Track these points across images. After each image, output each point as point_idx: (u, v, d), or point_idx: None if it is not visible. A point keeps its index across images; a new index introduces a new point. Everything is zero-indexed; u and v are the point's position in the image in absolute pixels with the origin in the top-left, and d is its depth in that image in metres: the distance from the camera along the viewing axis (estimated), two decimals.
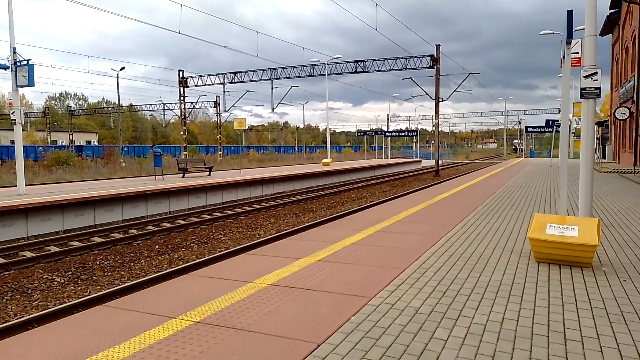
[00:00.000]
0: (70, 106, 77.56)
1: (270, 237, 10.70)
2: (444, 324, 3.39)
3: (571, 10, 6.76)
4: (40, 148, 42.21)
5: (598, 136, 35.77)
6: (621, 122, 25.74)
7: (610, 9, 28.22)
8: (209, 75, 37.65)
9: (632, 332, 3.22)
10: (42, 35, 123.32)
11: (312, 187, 23.04)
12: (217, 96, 48.58)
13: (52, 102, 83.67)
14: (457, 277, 4.58)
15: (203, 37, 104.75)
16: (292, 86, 37.79)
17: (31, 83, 13.36)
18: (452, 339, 3.13)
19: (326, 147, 35.38)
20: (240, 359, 2.88)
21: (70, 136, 57.99)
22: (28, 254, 9.33)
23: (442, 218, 8.24)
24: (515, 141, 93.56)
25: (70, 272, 8.29)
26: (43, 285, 7.63)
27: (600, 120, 36.54)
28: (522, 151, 67.87)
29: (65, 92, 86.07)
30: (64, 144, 57.19)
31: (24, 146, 17.59)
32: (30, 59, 13.39)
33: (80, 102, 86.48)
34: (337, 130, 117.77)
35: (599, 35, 30.74)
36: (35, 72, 13.48)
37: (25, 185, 14.40)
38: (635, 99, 22.58)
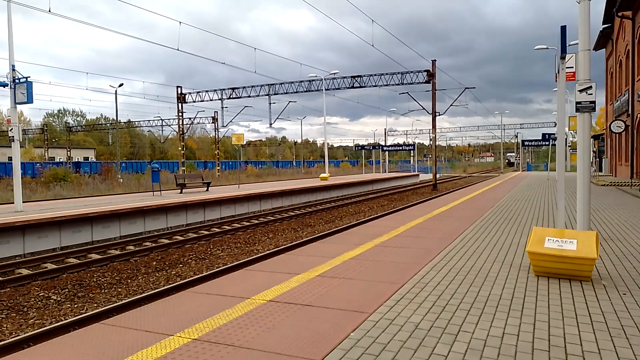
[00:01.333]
0: (69, 123, 77.76)
1: (268, 252, 10.66)
2: (444, 340, 3.36)
3: (564, 26, 6.85)
4: (38, 165, 42.11)
5: (594, 149, 35.98)
6: (617, 135, 25.92)
7: (603, 23, 28.60)
8: (207, 91, 37.89)
9: (632, 347, 3.20)
10: (40, 53, 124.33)
11: (311, 202, 23.02)
12: (215, 112, 48.79)
13: (51, 118, 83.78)
14: (457, 292, 4.56)
15: (200, 53, 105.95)
16: (290, 101, 38.14)
17: (30, 100, 13.43)
18: (453, 354, 3.11)
19: (324, 161, 35.45)
20: None
21: (68, 152, 58.04)
22: (24, 272, 9.26)
23: (441, 232, 8.23)
24: (509, 154, 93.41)
25: (67, 290, 8.23)
26: (39, 303, 7.56)
27: (597, 134, 36.77)
28: (519, 165, 68.05)
29: (64, 109, 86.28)
30: (61, 160, 57.18)
31: (21, 163, 17.57)
32: (29, 77, 13.48)
33: (78, 119, 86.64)
34: (335, 145, 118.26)
35: (593, 49, 31.13)
36: (33, 89, 13.57)
37: (23, 202, 14.36)
38: (630, 112, 22.77)
